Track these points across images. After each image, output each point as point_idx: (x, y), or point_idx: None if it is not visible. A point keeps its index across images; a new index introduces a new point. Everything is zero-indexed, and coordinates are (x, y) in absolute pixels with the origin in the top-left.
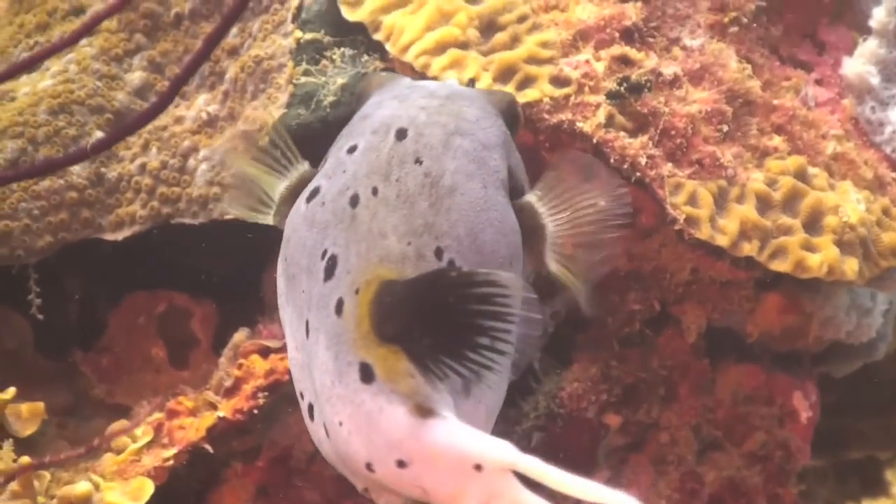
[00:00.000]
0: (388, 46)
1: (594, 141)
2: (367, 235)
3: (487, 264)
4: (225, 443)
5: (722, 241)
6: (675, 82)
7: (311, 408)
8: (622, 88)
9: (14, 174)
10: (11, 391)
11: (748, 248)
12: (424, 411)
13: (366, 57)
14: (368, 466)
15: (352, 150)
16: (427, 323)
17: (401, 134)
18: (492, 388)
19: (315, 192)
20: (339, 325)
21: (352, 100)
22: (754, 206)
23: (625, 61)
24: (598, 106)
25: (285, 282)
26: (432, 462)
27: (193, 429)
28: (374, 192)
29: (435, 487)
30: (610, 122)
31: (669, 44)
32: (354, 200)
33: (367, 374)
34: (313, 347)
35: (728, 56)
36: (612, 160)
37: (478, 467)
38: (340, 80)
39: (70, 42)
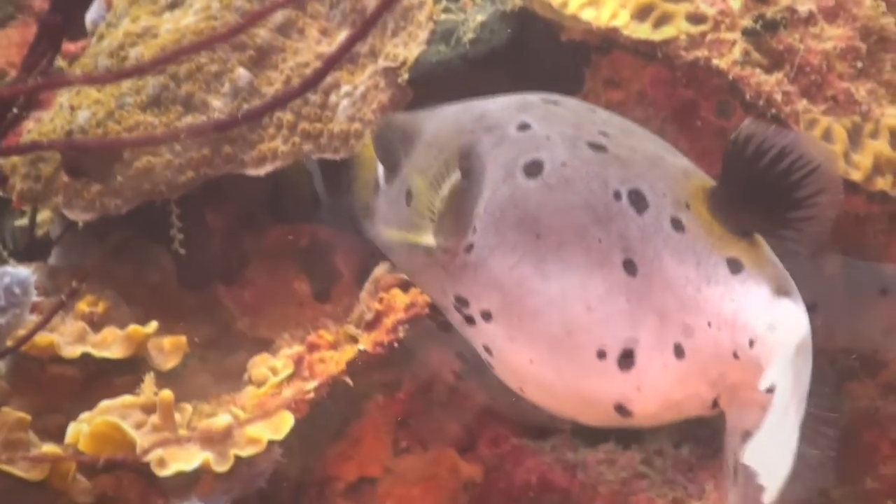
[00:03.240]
0: None
1: (730, 77)
2: (648, 163)
3: None
4: (366, 375)
5: (856, 175)
6: (810, 19)
7: (627, 354)
8: (758, 25)
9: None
10: (153, 325)
11: (882, 183)
12: (784, 291)
13: None
14: (735, 355)
15: (524, 126)
16: (764, 209)
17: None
18: None
19: (536, 163)
20: (688, 239)
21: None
22: (888, 141)
23: None
24: (733, 43)
25: (539, 258)
26: (771, 339)
27: (334, 362)
28: (603, 135)
29: (767, 363)
30: (746, 59)
31: None
32: (595, 146)
33: (736, 267)
34: (648, 281)
35: None
36: (747, 96)
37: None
38: (480, 18)
39: None
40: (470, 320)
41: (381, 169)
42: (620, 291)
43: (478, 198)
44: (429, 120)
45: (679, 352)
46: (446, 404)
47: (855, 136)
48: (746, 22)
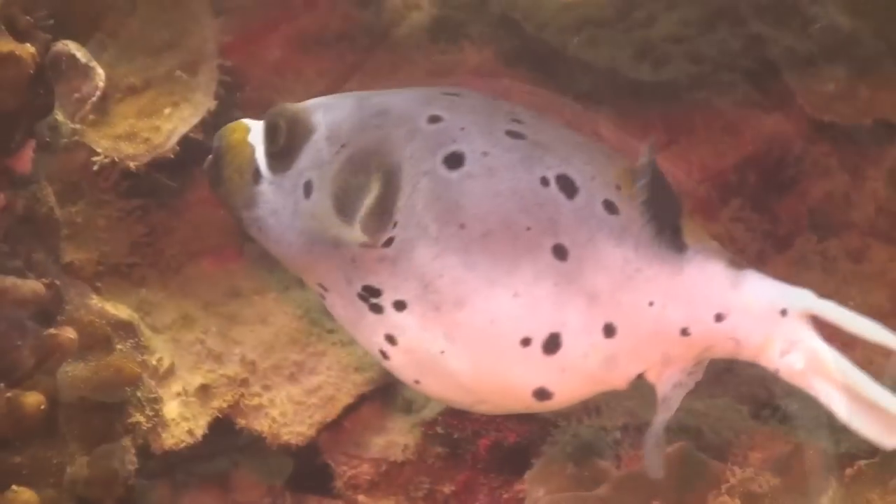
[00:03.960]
0: None
1: None
2: (571, 146)
3: None
4: None
5: None
6: None
7: (554, 337)
8: None
9: None
10: None
11: None
12: (738, 264)
13: None
14: (684, 332)
15: (434, 119)
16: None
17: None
18: None
19: (456, 154)
20: (623, 221)
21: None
22: None
23: None
24: None
25: (463, 248)
26: (747, 309)
27: None
28: (518, 122)
29: (748, 335)
30: None
31: None
32: (513, 134)
33: (679, 244)
34: (578, 264)
35: None
36: None
37: (783, 312)
38: None
39: None
40: (377, 308)
41: (262, 157)
42: (549, 276)
43: (396, 193)
44: (321, 112)
45: (609, 331)
46: None
47: None
48: None
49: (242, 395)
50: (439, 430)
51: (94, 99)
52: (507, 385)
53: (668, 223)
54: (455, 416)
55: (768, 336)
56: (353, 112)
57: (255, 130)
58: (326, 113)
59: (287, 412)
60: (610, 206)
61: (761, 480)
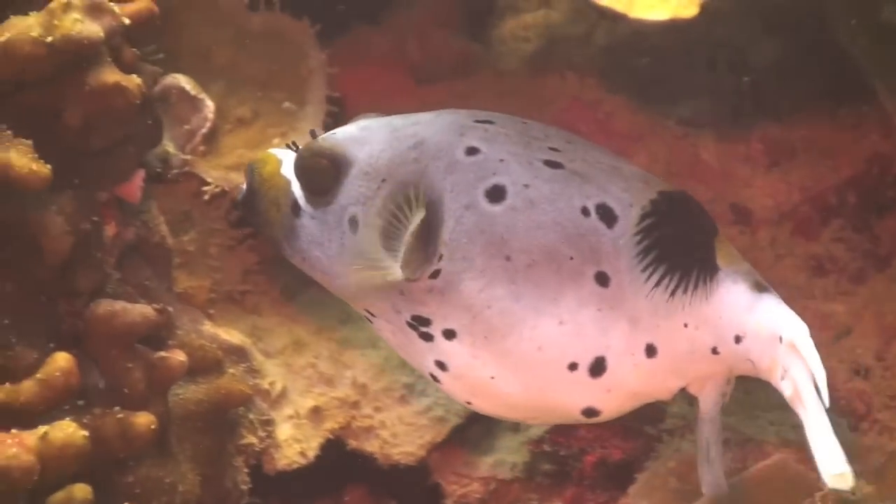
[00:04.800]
0: None
1: None
2: (608, 174)
3: None
4: None
5: None
6: None
7: (599, 361)
8: None
9: None
10: None
11: None
12: (760, 287)
13: None
14: (714, 350)
15: (472, 151)
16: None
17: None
18: None
19: (497, 187)
20: None
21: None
22: None
23: None
24: None
25: (510, 279)
26: (758, 333)
27: None
28: (554, 151)
29: (759, 358)
30: None
31: None
32: (551, 164)
33: (710, 269)
34: (620, 290)
35: None
36: None
37: (780, 339)
38: None
39: None
40: (427, 337)
41: (299, 191)
42: (592, 303)
43: (440, 226)
44: (355, 145)
45: (651, 351)
46: None
47: None
48: None
49: (354, 417)
50: (546, 447)
51: (204, 130)
52: (556, 406)
53: (690, 251)
54: (561, 434)
55: (773, 360)
56: (388, 144)
57: (286, 162)
58: (360, 147)
59: (398, 433)
60: None
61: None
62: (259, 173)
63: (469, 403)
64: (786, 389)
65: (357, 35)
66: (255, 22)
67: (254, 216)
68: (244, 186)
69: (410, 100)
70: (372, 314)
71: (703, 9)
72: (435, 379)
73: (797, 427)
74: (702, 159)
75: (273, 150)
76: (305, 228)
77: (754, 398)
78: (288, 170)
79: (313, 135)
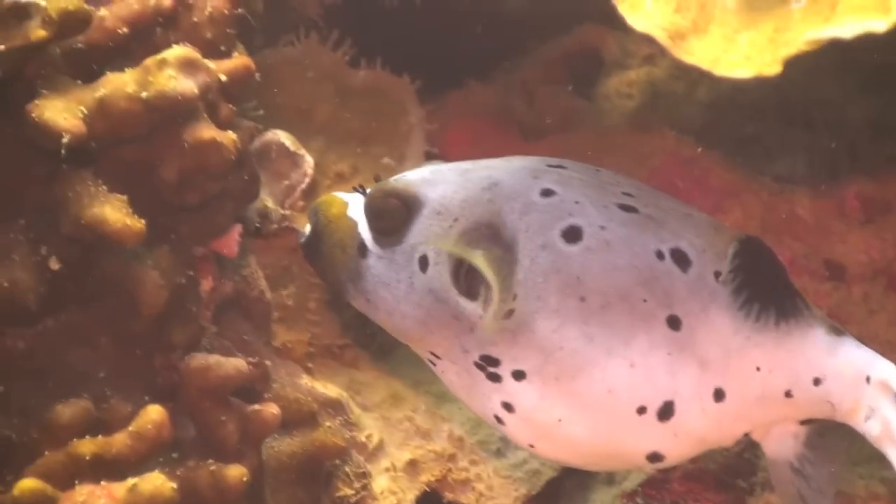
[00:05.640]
0: None
1: None
2: (681, 220)
3: None
4: None
5: None
6: None
7: (668, 405)
8: None
9: None
10: None
11: None
12: (837, 330)
13: None
14: (788, 394)
15: (547, 193)
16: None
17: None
18: None
19: (574, 228)
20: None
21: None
22: None
23: None
24: None
25: (583, 320)
26: (841, 375)
27: None
28: (628, 196)
29: (841, 400)
30: None
31: None
32: (626, 208)
33: (784, 312)
34: (691, 333)
35: None
36: None
37: (868, 379)
38: None
39: None
40: (495, 377)
41: (367, 232)
42: (663, 346)
43: (514, 266)
44: (426, 187)
45: (719, 395)
46: None
47: None
48: None
49: (450, 470)
50: (640, 501)
51: (303, 186)
52: (621, 450)
53: (760, 297)
54: (654, 488)
55: (857, 401)
56: (460, 186)
57: (353, 205)
58: (432, 187)
59: (493, 486)
60: (721, 278)
61: None
62: (324, 215)
63: (532, 447)
64: (872, 430)
65: (468, 90)
66: (355, 78)
67: (317, 258)
68: (307, 229)
69: (516, 154)
70: (436, 356)
71: (787, 66)
72: (499, 421)
73: (886, 481)
74: (797, 215)
75: (338, 193)
76: (372, 269)
77: None
78: (355, 212)
79: (377, 179)
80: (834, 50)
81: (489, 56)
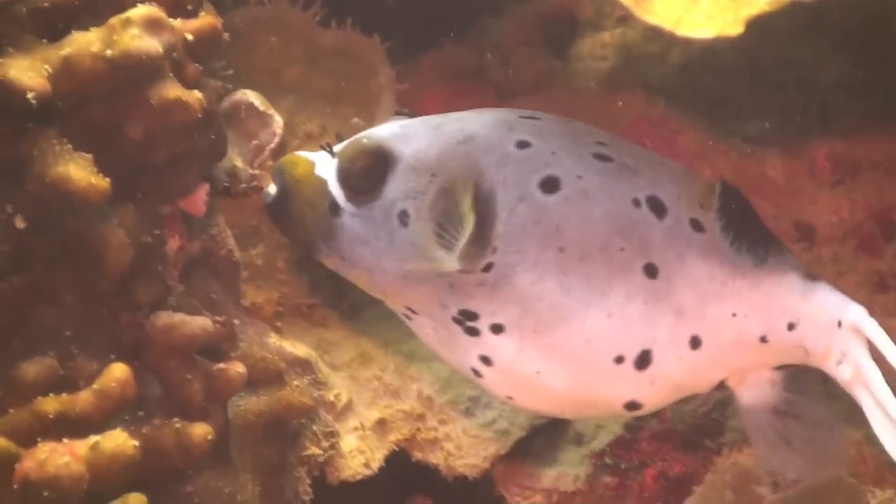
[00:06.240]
0: None
1: None
2: (654, 168)
3: None
4: None
5: None
6: None
7: (645, 354)
8: None
9: None
10: None
11: None
12: (810, 276)
13: None
14: (763, 339)
15: (523, 144)
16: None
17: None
18: None
19: (551, 179)
20: (709, 238)
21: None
22: None
23: None
24: None
25: (561, 271)
26: (814, 319)
27: None
28: (602, 145)
29: (814, 344)
30: None
31: None
32: (601, 157)
33: (758, 257)
34: (668, 281)
35: None
36: None
37: (839, 324)
38: None
39: None
40: (473, 331)
41: (338, 190)
42: (640, 295)
43: (493, 219)
44: (399, 142)
45: (696, 343)
46: None
47: None
48: None
49: (419, 429)
50: (608, 460)
51: (272, 145)
52: (599, 399)
53: (747, 236)
54: (622, 447)
55: (828, 345)
56: (434, 140)
57: (320, 163)
58: (405, 143)
59: (462, 445)
60: (696, 225)
61: None
62: (291, 174)
63: (510, 399)
64: (843, 374)
65: (443, 51)
66: (325, 39)
67: (285, 218)
68: (272, 189)
69: None
70: (413, 311)
71: (753, 27)
72: (477, 374)
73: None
74: (767, 176)
75: (301, 153)
76: (347, 227)
77: None
78: (322, 170)
79: (340, 137)
80: (806, 11)
81: (464, 17)
